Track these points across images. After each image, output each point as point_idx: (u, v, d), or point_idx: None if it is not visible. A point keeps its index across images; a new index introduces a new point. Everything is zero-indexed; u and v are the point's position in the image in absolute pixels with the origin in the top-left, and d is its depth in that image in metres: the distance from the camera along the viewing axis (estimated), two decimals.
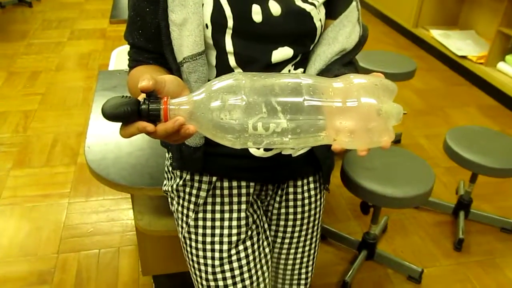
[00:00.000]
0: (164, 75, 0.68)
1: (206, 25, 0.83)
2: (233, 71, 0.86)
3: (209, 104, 0.64)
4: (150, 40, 0.87)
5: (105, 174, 1.34)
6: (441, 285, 1.97)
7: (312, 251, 1.15)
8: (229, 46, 0.84)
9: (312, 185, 1.07)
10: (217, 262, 0.98)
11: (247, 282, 0.99)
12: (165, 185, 1.06)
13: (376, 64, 2.61)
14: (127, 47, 0.94)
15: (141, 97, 0.64)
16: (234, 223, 0.98)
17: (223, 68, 0.87)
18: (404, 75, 2.62)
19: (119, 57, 2.31)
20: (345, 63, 0.92)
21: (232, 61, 0.86)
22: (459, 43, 4.08)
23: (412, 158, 1.87)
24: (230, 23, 0.82)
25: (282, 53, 0.87)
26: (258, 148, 0.91)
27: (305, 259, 1.14)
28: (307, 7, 0.86)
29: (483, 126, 2.27)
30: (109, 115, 0.62)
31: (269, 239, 1.07)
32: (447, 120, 3.26)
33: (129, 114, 0.62)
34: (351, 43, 0.91)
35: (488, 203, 2.44)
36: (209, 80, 0.87)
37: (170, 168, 1.03)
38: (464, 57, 3.90)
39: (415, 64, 2.68)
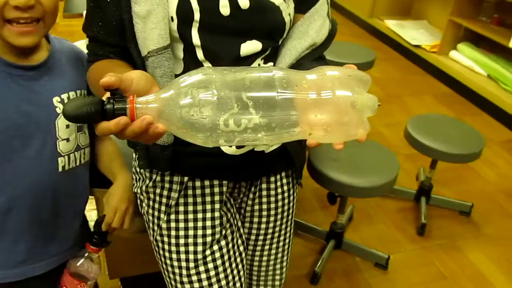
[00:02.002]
0: (130, 71, 0.64)
1: (172, 17, 0.79)
2: (202, 64, 0.84)
3: (179, 101, 0.60)
4: (111, 33, 0.82)
5: None
6: (406, 270, 2.02)
7: (286, 246, 1.14)
8: (195, 39, 0.82)
9: (285, 180, 1.06)
10: (191, 264, 0.96)
11: (223, 282, 0.97)
12: (134, 186, 1.02)
13: (336, 55, 2.61)
14: (80, 43, 0.88)
15: (106, 96, 0.60)
16: (208, 223, 0.96)
17: (191, 62, 0.84)
18: (364, 65, 2.64)
19: None
20: (316, 58, 0.91)
21: (200, 54, 0.83)
22: (413, 33, 4.18)
23: (376, 147, 1.90)
24: (197, 16, 0.80)
25: (250, 46, 0.85)
26: (230, 146, 0.89)
27: (279, 255, 1.14)
28: (276, 1, 0.84)
29: (440, 114, 2.34)
30: (71, 116, 0.59)
31: (243, 237, 1.06)
32: (405, 109, 3.34)
33: (92, 114, 0.59)
34: (321, 38, 0.90)
35: (448, 188, 2.52)
36: (176, 75, 0.84)
37: (138, 169, 0.99)
38: (418, 46, 4.01)
39: (374, 54, 2.72)
